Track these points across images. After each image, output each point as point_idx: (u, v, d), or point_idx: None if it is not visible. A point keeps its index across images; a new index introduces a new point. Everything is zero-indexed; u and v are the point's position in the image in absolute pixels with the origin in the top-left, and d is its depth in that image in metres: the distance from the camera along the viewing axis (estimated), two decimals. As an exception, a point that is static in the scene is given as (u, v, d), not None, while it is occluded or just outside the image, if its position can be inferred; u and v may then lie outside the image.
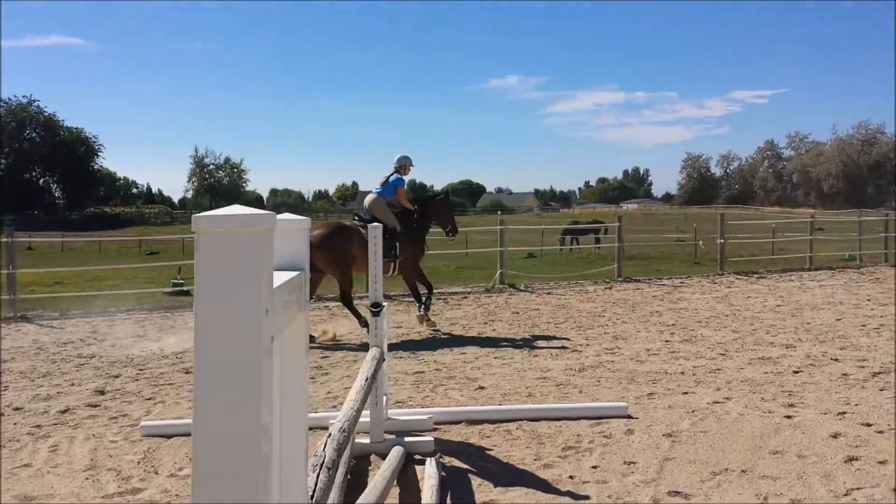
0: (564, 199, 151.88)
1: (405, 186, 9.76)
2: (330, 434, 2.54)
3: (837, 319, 9.88)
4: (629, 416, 5.38)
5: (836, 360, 7.33)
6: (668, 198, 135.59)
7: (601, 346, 8.19)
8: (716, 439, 4.83)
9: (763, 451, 4.60)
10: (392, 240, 9.14)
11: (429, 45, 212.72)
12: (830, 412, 5.44)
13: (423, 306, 9.40)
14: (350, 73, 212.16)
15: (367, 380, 3.50)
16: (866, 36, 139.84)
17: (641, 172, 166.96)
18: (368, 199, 9.67)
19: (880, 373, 6.70)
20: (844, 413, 5.41)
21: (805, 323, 9.62)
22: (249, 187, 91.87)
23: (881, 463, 4.33)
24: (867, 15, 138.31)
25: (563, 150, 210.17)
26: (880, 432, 4.93)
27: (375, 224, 4.69)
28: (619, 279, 15.08)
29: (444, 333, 9.26)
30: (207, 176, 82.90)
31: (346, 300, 9.24)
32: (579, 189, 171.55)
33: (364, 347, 7.07)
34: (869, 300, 11.77)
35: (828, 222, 37.06)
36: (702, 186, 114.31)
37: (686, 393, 6.08)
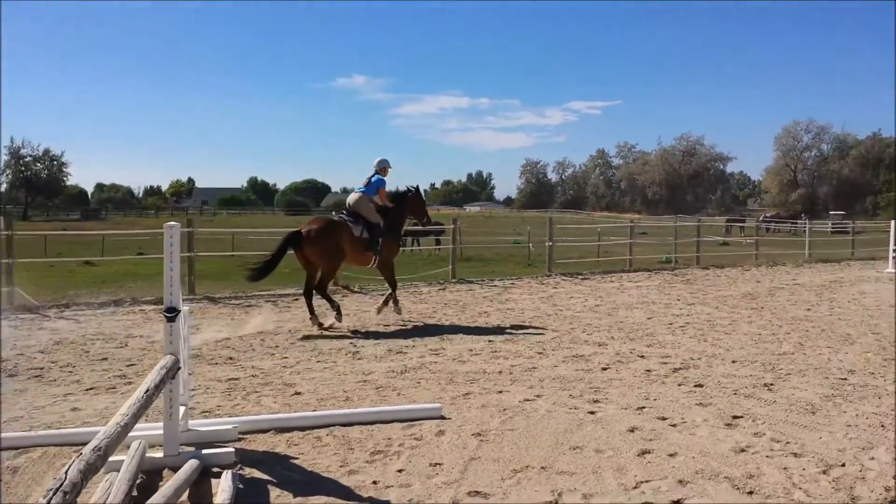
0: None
1: (385, 187, 10.40)
2: (80, 454, 2.29)
3: (648, 318, 10.50)
4: (442, 417, 5.39)
5: (642, 356, 7.76)
6: (508, 201, 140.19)
7: (426, 348, 8.21)
8: (522, 437, 4.93)
9: (564, 446, 4.74)
10: (375, 235, 9.94)
11: (273, 40, 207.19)
12: (631, 407, 5.72)
13: (391, 297, 10.26)
14: (194, 65, 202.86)
15: (146, 391, 3.23)
16: (689, 54, 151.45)
17: (485, 176, 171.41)
18: (353, 197, 10.29)
19: (680, 368, 7.15)
20: (643, 408, 5.70)
21: (619, 322, 10.14)
22: (72, 181, 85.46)
23: (671, 455, 4.58)
24: (688, 36, 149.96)
25: (409, 152, 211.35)
26: (673, 426, 5.23)
27: (172, 224, 4.37)
28: (454, 280, 15.29)
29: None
30: (24, 168, 76.30)
31: (323, 290, 9.73)
32: (425, 191, 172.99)
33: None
34: (678, 300, 12.63)
35: (650, 227, 39.72)
36: (539, 191, 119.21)
37: (501, 392, 6.19)
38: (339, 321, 9.57)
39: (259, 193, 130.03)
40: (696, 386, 6.44)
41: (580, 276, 16.57)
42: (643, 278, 16.53)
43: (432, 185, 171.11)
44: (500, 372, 6.97)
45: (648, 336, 9.03)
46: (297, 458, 4.58)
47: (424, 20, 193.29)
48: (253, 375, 6.86)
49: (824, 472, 4.27)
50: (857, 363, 7.41)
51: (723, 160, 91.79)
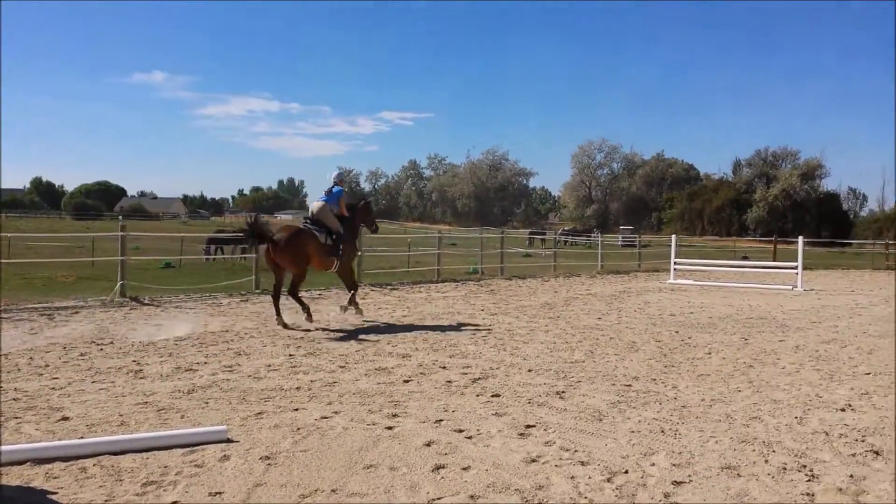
0: (217, 206, 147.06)
1: (340, 198, 11.38)
2: None
3: (453, 328, 10.60)
4: (229, 441, 5.01)
5: (444, 367, 7.76)
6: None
7: (220, 364, 7.71)
8: (314, 458, 4.68)
9: (358, 466, 4.54)
10: (337, 241, 10.95)
11: (60, 24, 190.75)
12: (429, 420, 5.64)
13: (351, 299, 11.24)
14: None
15: None
16: (498, 72, 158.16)
17: (297, 183, 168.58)
18: (316, 205, 11.17)
19: (480, 378, 7.21)
20: (442, 420, 5.64)
21: (424, 333, 10.14)
22: None
23: (465, 469, 4.52)
24: (496, 52, 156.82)
25: (215, 156, 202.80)
26: (469, 438, 5.20)
27: None
28: (258, 291, 14.68)
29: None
30: None
31: (294, 293, 10.61)
32: (233, 197, 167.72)
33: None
34: (482, 310, 12.91)
35: (460, 238, 40.78)
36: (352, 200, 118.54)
37: (297, 410, 5.89)
38: (310, 321, 10.50)
39: (44, 195, 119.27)
40: (493, 396, 6.50)
41: (389, 287, 16.55)
42: (450, 289, 16.81)
43: (240, 191, 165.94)
44: (298, 388, 6.66)
45: (452, 346, 9.08)
46: (55, 494, 4.04)
47: (231, 16, 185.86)
48: (14, 399, 6.06)
49: (609, 480, 4.39)
50: (640, 370, 7.85)
51: (526, 175, 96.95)
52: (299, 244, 10.45)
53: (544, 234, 37.60)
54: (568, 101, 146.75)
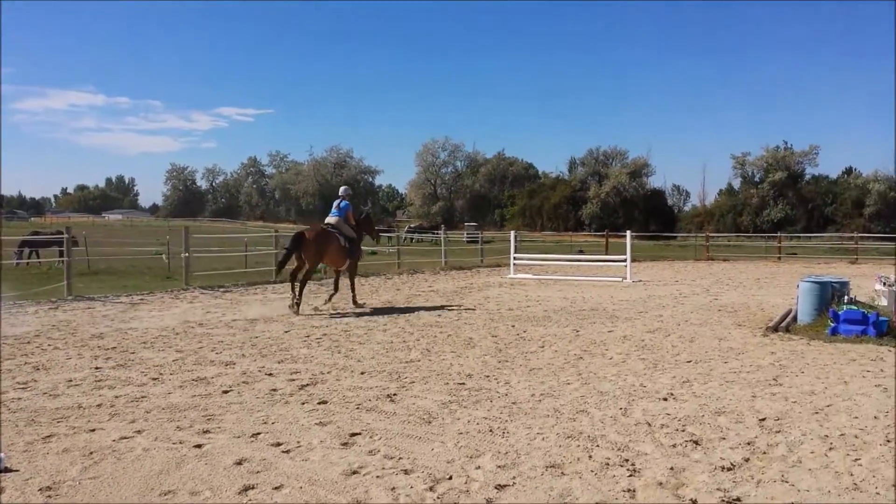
0: (37, 206, 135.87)
1: (350, 209, 13.30)
2: None
3: (286, 331, 10.10)
4: (6, 470, 4.33)
5: (270, 374, 7.28)
6: (155, 209, 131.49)
7: (13, 381, 6.82)
8: (104, 486, 4.12)
9: (154, 493, 4.04)
10: (352, 245, 13.09)
11: None
12: (245, 434, 5.19)
13: (333, 295, 13.34)
14: None
15: None
16: (337, 70, 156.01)
17: (126, 181, 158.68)
18: (333, 220, 13.07)
19: (308, 385, 6.81)
20: (259, 434, 5.20)
21: (254, 337, 9.57)
22: None
23: (276, 489, 4.13)
24: (338, 52, 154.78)
25: (34, 153, 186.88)
26: (287, 452, 4.81)
27: None
28: (70, 297, 13.42)
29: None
30: None
31: (304, 282, 12.57)
32: (55, 196, 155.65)
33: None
34: (320, 311, 12.44)
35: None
36: (188, 199, 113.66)
37: (94, 430, 5.24)
38: (297, 313, 11.97)
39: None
40: (320, 403, 6.13)
41: (222, 290, 15.69)
42: (289, 290, 16.13)
43: (64, 189, 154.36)
44: (99, 405, 5.97)
45: (282, 351, 8.60)
46: None
47: (47, 4, 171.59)
48: None
49: (431, 489, 4.14)
50: (475, 367, 7.74)
51: (371, 173, 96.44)
52: (323, 242, 12.51)
53: (390, 231, 37.37)
54: (411, 101, 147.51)
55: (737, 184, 68.06)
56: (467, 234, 46.06)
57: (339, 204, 13.22)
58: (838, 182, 63.85)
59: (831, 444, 5.04)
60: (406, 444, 4.99)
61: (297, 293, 12.21)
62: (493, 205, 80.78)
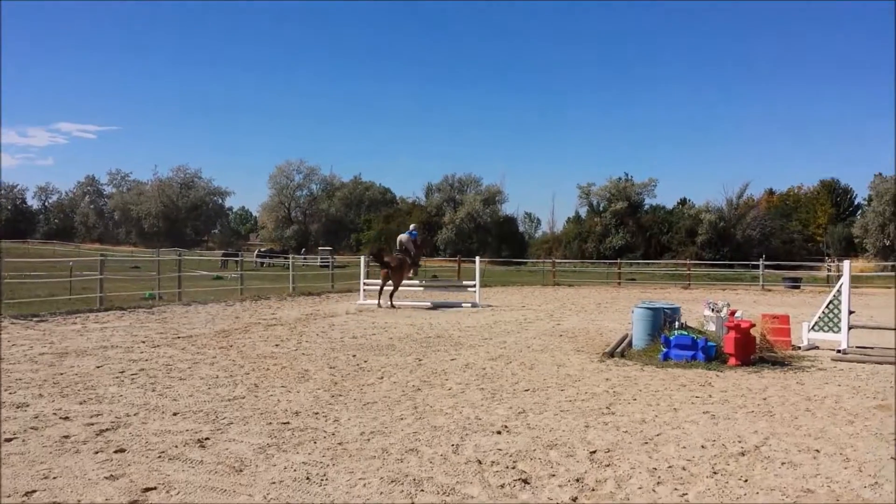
0: None
1: (417, 237, 20.55)
2: None
3: (98, 366, 9.12)
4: None
5: (66, 418, 6.42)
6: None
7: None
8: None
9: None
10: (413, 260, 19.72)
11: None
12: (17, 493, 4.43)
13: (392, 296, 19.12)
14: None
15: None
16: (186, 90, 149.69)
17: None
18: (403, 237, 19.99)
19: (108, 429, 6.03)
20: (34, 492, 4.47)
21: (59, 373, 8.55)
22: None
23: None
24: (185, 74, 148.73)
25: None
26: (61, 514, 4.10)
27: None
28: None
29: None
30: None
31: (391, 296, 19.02)
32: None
33: None
34: (144, 342, 11.44)
35: (145, 261, 37.42)
36: (17, 218, 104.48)
37: None
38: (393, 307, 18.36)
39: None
40: (116, 451, 5.40)
41: (36, 319, 14.19)
42: (114, 318, 14.88)
43: None
44: None
45: (88, 389, 7.68)
46: None
47: None
48: None
49: (224, 556, 3.61)
50: (305, 403, 7.21)
51: (221, 194, 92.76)
52: (401, 268, 19.00)
53: (238, 255, 35.86)
54: (265, 123, 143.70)
55: (583, 212, 71.13)
56: (321, 258, 45.11)
57: (409, 231, 20.75)
58: (674, 212, 68.07)
59: (659, 477, 4.94)
60: (207, 499, 4.41)
61: (380, 298, 18.94)
62: (350, 229, 79.99)
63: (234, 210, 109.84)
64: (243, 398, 7.41)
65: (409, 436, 5.96)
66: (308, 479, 4.84)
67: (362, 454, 5.41)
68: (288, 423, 6.39)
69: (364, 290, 20.80)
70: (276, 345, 11.44)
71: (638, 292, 27.50)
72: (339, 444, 5.70)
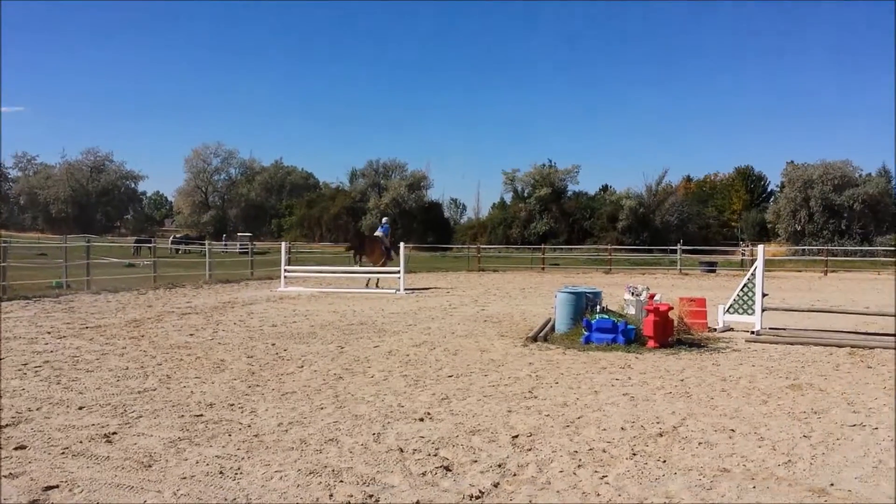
0: None
1: (388, 232, 22.75)
2: None
3: (-2, 359, 8.59)
4: None
5: (-41, 415, 5.99)
6: None
7: None
8: None
9: None
10: (387, 250, 21.72)
11: None
12: None
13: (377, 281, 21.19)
14: None
15: None
16: (99, 72, 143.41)
17: None
18: (378, 234, 22.41)
19: (8, 425, 5.66)
20: (-84, 498, 4.11)
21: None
22: None
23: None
24: (100, 59, 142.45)
25: None
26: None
27: None
28: None
29: None
30: None
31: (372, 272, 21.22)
32: None
33: None
34: (49, 332, 10.87)
35: (52, 248, 35.72)
36: None
37: None
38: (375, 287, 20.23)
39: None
40: (17, 448, 5.07)
41: (-70, 309, 13.31)
42: (18, 308, 14.10)
43: None
44: None
45: (-15, 384, 7.21)
46: None
47: None
48: None
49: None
50: (220, 394, 6.95)
51: (134, 178, 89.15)
52: (377, 247, 21.38)
53: (151, 241, 34.62)
54: (180, 103, 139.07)
55: (508, 198, 71.69)
56: (241, 244, 44.06)
57: (381, 225, 23.47)
58: (596, 198, 69.36)
59: (580, 460, 4.94)
60: (113, 497, 4.17)
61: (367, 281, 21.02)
62: (271, 214, 78.42)
63: (148, 195, 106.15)
64: (154, 390, 7.10)
65: (329, 425, 5.81)
66: (221, 473, 4.63)
67: (279, 446, 5.23)
68: (201, 415, 6.13)
69: (285, 276, 20.39)
70: (191, 334, 11.04)
71: (561, 277, 27.88)
72: (256, 436, 5.50)
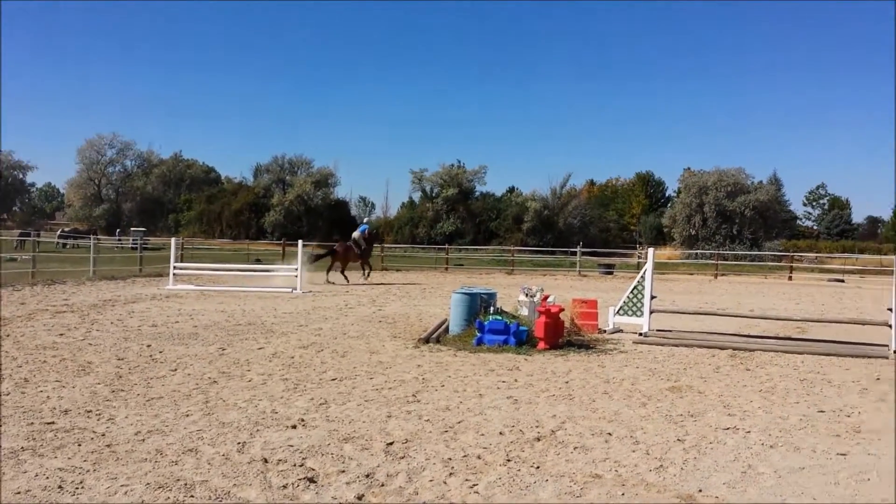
0: None
1: (366, 231, 24.43)
2: None
3: None
4: None
5: None
6: None
7: None
8: None
9: None
10: (362, 250, 23.52)
11: None
12: None
13: (366, 275, 23.65)
14: None
15: None
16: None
17: None
18: (356, 234, 23.94)
19: None
20: None
21: None
22: None
23: None
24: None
25: None
26: None
27: None
28: None
29: None
30: None
31: (341, 270, 22.82)
32: None
33: None
34: None
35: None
36: None
37: None
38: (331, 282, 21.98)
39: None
40: None
41: None
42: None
43: None
44: None
45: None
46: None
47: None
48: None
49: None
50: (79, 399, 6.45)
51: (22, 169, 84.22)
52: (348, 252, 22.92)
53: (36, 234, 32.65)
54: (70, 94, 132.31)
55: (417, 197, 71.57)
56: (133, 239, 42.15)
57: (360, 224, 27.09)
58: (502, 199, 70.10)
59: (453, 468, 4.76)
60: (-77, 521, 3.71)
61: (328, 277, 22.42)
62: (168, 209, 75.55)
63: (37, 186, 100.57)
64: (7, 395, 6.53)
65: (192, 434, 5.43)
66: (61, 487, 4.22)
67: (132, 457, 4.83)
68: (53, 422, 5.65)
69: (174, 274, 19.53)
70: (61, 334, 10.33)
71: (464, 277, 27.92)
72: (108, 445, 5.07)
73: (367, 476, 4.57)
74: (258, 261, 32.02)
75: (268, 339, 10.40)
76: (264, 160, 72.83)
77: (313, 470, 4.67)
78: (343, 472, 4.65)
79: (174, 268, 19.63)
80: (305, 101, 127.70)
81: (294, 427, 5.71)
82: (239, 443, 5.23)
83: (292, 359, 8.87)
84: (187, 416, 5.99)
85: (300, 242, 20.54)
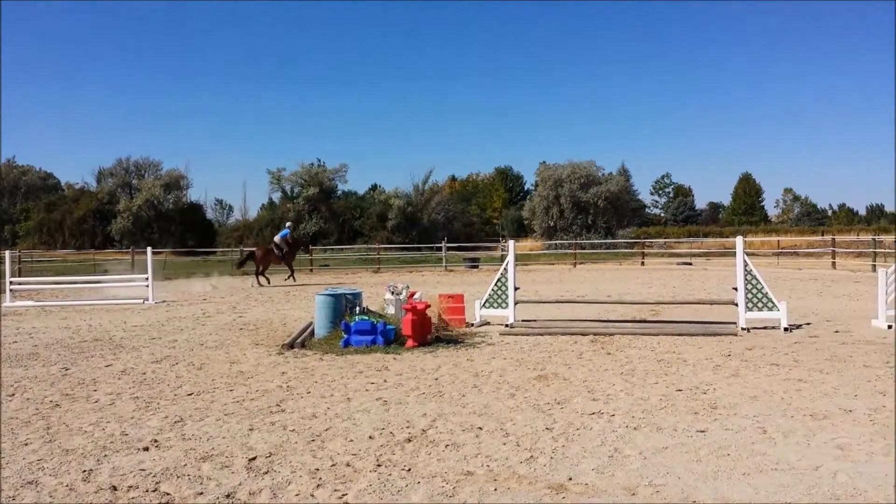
0: None
1: (288, 235, 24.76)
2: None
3: None
4: None
5: None
6: None
7: None
8: None
9: None
10: (284, 254, 24.27)
11: None
12: None
13: (291, 276, 24.67)
14: None
15: None
16: None
17: None
18: (277, 238, 24.60)
19: None
20: None
21: None
22: None
23: None
24: None
25: None
26: None
27: None
28: None
29: None
30: None
31: (262, 273, 23.65)
32: None
33: None
34: None
35: None
36: None
37: None
38: (266, 284, 23.28)
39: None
40: None
41: None
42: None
43: None
44: None
45: None
46: None
47: None
48: None
49: None
50: None
51: None
52: (268, 254, 24.01)
53: None
54: None
55: (276, 198, 69.84)
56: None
57: (283, 229, 25.26)
58: (365, 198, 69.73)
59: (320, 479, 4.55)
60: None
61: (264, 277, 23.66)
62: (3, 220, 69.81)
63: None
64: None
65: (31, 465, 4.91)
66: None
67: (-45, 500, 4.30)
68: None
69: (11, 290, 17.97)
70: None
71: (330, 278, 27.48)
72: (-74, 489, 4.49)
73: (228, 496, 4.27)
74: (106, 271, 30.16)
75: (116, 356, 9.70)
76: (107, 163, 68.59)
77: (168, 494, 4.32)
78: (201, 493, 4.33)
79: (10, 283, 18.04)
80: (152, 97, 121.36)
81: (146, 449, 5.29)
82: (84, 471, 4.78)
83: (144, 375, 8.30)
84: (26, 444, 5.43)
85: (149, 250, 19.40)
